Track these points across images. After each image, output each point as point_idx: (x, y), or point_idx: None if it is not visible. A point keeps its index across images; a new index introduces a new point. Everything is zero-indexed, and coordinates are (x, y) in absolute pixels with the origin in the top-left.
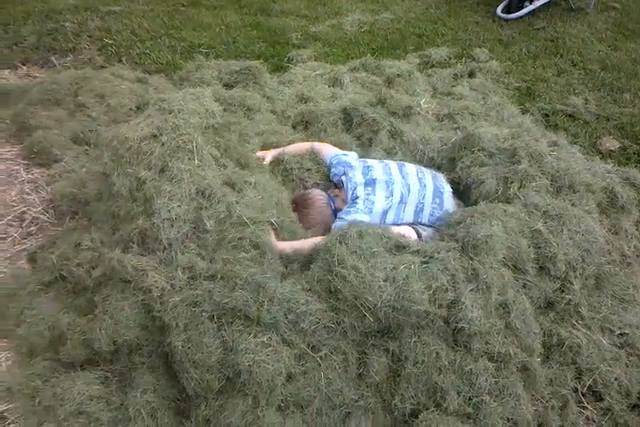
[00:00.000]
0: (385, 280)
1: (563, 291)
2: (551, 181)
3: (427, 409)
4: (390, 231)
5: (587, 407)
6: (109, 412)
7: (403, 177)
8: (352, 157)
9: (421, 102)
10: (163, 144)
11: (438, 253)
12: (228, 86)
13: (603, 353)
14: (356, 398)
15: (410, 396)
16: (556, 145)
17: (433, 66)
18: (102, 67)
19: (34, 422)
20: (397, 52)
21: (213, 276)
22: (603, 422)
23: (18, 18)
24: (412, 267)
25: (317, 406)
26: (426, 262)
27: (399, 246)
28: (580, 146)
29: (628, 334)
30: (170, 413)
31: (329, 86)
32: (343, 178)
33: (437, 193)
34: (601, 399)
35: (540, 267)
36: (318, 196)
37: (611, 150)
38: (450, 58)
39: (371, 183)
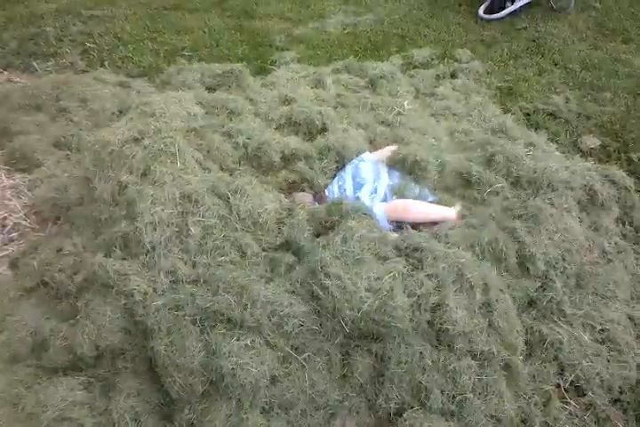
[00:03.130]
0: (367, 290)
1: (544, 289)
2: (528, 181)
3: (411, 408)
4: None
5: (569, 403)
6: (93, 417)
7: (390, 179)
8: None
9: (405, 103)
10: (145, 147)
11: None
12: (210, 89)
13: (584, 349)
14: (340, 398)
15: (394, 395)
16: (532, 145)
17: (415, 67)
18: (84, 71)
19: None
20: (380, 54)
21: (196, 279)
22: (585, 417)
23: None
24: (398, 277)
25: (302, 408)
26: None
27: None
28: (561, 144)
29: (608, 329)
30: (154, 417)
31: (312, 88)
32: (327, 190)
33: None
34: (583, 395)
35: (520, 265)
36: (303, 198)
37: (591, 148)
38: (432, 59)
39: (358, 187)
